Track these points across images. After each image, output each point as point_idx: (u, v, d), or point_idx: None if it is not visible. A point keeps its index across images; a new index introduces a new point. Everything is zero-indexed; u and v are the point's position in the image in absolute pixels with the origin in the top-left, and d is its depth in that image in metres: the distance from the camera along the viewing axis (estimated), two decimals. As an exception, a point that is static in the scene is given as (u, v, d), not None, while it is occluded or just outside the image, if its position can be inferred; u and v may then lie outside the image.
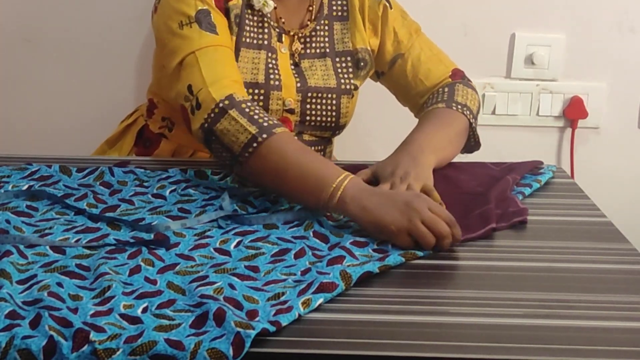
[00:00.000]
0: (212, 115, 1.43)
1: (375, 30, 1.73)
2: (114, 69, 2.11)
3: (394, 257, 1.14)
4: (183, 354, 0.92)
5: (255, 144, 1.38)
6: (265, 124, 1.40)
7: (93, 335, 0.93)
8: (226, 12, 1.60)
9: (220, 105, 1.43)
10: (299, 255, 1.16)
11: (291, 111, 1.63)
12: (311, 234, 1.23)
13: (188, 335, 0.95)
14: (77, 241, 1.20)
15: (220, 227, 1.26)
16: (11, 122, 2.16)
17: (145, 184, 1.43)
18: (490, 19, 2.16)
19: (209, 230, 1.25)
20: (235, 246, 1.20)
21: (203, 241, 1.21)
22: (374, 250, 1.18)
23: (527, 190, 1.43)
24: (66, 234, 1.22)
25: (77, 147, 1.78)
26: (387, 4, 1.74)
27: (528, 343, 0.97)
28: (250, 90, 1.58)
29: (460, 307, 1.05)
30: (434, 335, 0.98)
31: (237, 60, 1.59)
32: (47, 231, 1.23)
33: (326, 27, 1.70)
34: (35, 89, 2.14)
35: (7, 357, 0.92)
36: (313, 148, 1.68)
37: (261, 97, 1.60)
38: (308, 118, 1.65)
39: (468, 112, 1.60)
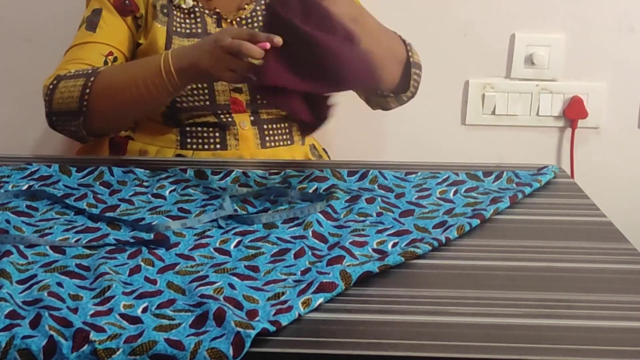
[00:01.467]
0: (47, 98, 1.54)
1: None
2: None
3: (394, 257, 1.14)
4: (183, 353, 0.92)
5: (87, 90, 1.48)
6: (89, 71, 1.51)
7: (93, 335, 0.93)
8: (148, 7, 1.64)
9: (50, 87, 1.53)
10: (299, 255, 1.16)
11: (239, 90, 1.64)
12: (310, 233, 1.22)
13: (188, 335, 0.95)
14: (77, 241, 1.20)
15: (220, 227, 1.26)
16: (11, 122, 2.16)
17: (145, 184, 1.43)
18: (490, 19, 2.16)
19: (209, 230, 1.25)
20: (235, 246, 1.19)
21: (203, 241, 1.21)
22: (373, 250, 1.18)
23: (527, 190, 1.43)
24: (66, 234, 1.22)
25: (76, 147, 1.78)
26: None
27: (528, 343, 0.97)
28: (194, 70, 1.48)
29: (460, 307, 1.05)
30: (434, 335, 0.98)
31: (169, 48, 1.61)
32: (47, 231, 1.23)
33: None
34: (35, 89, 2.13)
35: (7, 357, 0.91)
36: (276, 126, 1.68)
37: (203, 78, 1.57)
38: (259, 96, 1.65)
39: (410, 48, 1.64)
